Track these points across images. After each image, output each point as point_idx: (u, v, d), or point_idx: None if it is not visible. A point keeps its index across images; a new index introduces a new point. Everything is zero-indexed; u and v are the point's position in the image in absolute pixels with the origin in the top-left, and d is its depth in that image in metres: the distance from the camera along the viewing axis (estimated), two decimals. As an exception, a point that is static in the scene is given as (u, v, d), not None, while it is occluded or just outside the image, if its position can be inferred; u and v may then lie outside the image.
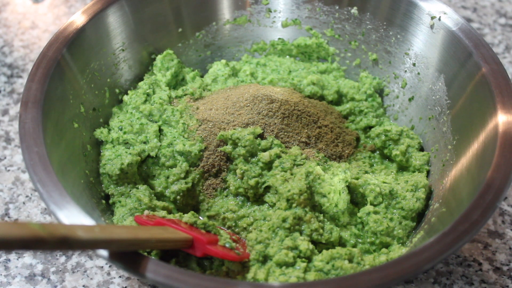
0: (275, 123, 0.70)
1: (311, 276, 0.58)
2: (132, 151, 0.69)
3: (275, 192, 0.66)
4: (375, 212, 0.65)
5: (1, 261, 0.69)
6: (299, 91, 0.80)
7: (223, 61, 0.83)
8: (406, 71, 0.79)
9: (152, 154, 0.70)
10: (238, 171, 0.67)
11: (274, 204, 0.65)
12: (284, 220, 0.62)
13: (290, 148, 0.70)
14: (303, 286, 0.52)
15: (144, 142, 0.71)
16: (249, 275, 0.59)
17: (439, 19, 0.72)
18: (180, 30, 0.83)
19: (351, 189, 0.67)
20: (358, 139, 0.78)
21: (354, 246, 0.65)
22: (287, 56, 0.87)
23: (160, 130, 0.72)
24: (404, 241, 0.65)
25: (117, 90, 0.78)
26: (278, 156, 0.67)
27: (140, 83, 0.77)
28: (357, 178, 0.68)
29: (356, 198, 0.68)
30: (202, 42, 0.85)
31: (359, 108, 0.80)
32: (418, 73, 0.77)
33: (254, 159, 0.68)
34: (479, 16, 1.05)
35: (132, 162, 0.68)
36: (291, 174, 0.66)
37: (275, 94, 0.72)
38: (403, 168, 0.74)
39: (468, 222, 0.52)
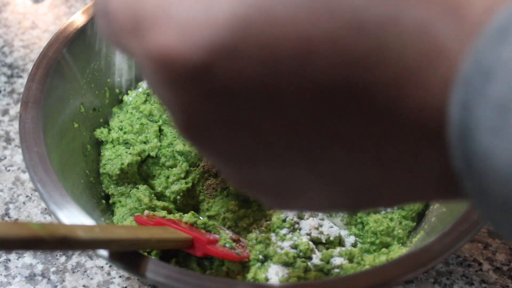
0: (275, 123, 0.70)
1: (311, 276, 0.58)
2: (132, 151, 0.69)
3: (275, 192, 0.66)
4: (375, 212, 0.65)
5: (1, 261, 0.69)
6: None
7: (223, 61, 0.83)
8: (406, 71, 0.79)
9: (152, 154, 0.70)
10: (238, 171, 0.67)
11: (274, 204, 0.65)
12: (284, 220, 0.62)
13: (290, 148, 0.70)
14: (303, 286, 0.52)
15: (144, 142, 0.71)
16: (249, 275, 0.59)
17: (439, 19, 0.72)
18: (180, 30, 0.83)
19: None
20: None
21: (354, 246, 0.65)
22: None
23: (160, 130, 0.72)
24: (404, 241, 0.65)
25: (117, 90, 0.78)
26: (278, 156, 0.67)
27: (140, 83, 0.77)
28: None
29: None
30: (202, 42, 0.85)
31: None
32: (418, 73, 0.77)
33: (254, 159, 0.68)
34: (479, 16, 1.05)
35: (132, 162, 0.68)
36: (291, 174, 0.66)
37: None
38: (403, 168, 0.74)
39: (468, 222, 0.52)
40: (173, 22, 0.20)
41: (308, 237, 0.62)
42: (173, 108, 0.22)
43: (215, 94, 0.20)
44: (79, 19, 0.71)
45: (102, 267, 0.69)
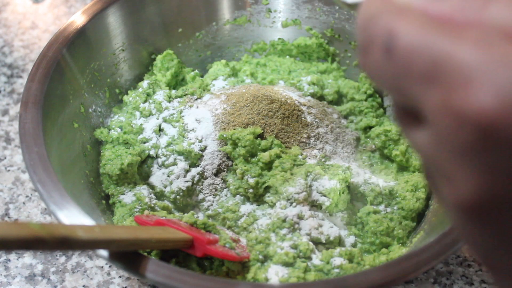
0: (275, 123, 0.70)
1: (311, 276, 0.58)
2: (132, 151, 0.69)
3: (275, 192, 0.66)
4: (375, 212, 0.65)
5: (1, 261, 0.69)
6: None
7: (223, 61, 0.83)
8: (406, 71, 0.79)
9: (152, 154, 0.70)
10: (238, 171, 0.67)
11: (274, 204, 0.65)
12: (284, 220, 0.62)
13: (290, 148, 0.70)
14: (303, 286, 0.52)
15: (144, 142, 0.71)
16: (249, 275, 0.59)
17: (439, 19, 0.72)
18: (180, 30, 0.83)
19: (351, 189, 0.67)
20: (358, 139, 0.78)
21: (354, 246, 0.65)
22: (287, 56, 0.87)
23: (160, 130, 0.72)
24: (404, 241, 0.65)
25: (117, 90, 0.78)
26: (278, 156, 0.67)
27: (140, 83, 0.77)
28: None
29: (356, 198, 0.68)
30: (202, 42, 0.85)
31: (359, 108, 0.79)
32: (418, 73, 0.77)
33: (254, 159, 0.68)
34: (479, 16, 1.05)
35: (132, 162, 0.68)
36: (291, 174, 0.66)
37: (275, 94, 0.72)
38: (403, 168, 0.74)
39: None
40: (496, 83, 0.18)
41: (308, 237, 0.62)
42: (480, 180, 0.21)
43: None
44: (79, 19, 0.71)
45: (102, 267, 0.69)
